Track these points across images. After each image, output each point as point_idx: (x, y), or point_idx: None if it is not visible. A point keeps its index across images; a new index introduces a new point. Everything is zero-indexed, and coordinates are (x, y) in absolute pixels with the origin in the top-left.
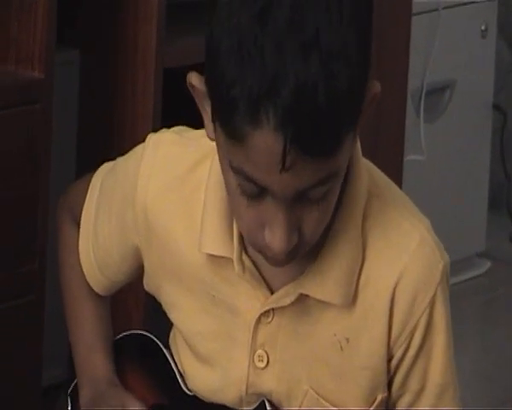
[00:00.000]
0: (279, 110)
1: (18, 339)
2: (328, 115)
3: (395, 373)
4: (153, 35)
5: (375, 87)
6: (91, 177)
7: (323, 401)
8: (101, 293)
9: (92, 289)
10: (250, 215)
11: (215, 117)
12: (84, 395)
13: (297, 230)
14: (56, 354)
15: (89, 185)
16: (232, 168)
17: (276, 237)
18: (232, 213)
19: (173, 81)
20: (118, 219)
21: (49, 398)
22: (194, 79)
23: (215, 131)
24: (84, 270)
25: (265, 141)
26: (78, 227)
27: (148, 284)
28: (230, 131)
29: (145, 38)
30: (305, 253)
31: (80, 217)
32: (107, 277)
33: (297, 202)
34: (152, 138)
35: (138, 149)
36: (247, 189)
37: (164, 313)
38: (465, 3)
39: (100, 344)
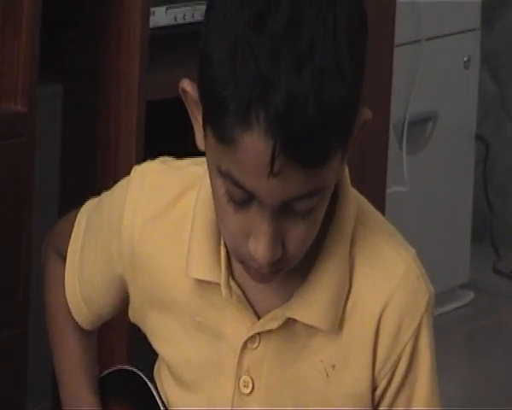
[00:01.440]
0: (270, 114)
1: (2, 370)
2: (317, 127)
3: (380, 403)
4: (135, 68)
5: (366, 113)
6: (77, 213)
7: None
8: (86, 327)
9: (78, 325)
10: (236, 223)
11: (206, 121)
12: None
13: (281, 243)
14: (41, 386)
15: (74, 221)
16: (221, 173)
17: (260, 247)
18: (218, 222)
19: (156, 114)
20: (103, 253)
21: None
22: (187, 85)
23: (205, 137)
24: (70, 304)
25: (255, 144)
26: (64, 263)
27: (133, 314)
28: (221, 134)
29: (128, 71)
30: (292, 276)
31: (66, 252)
32: (92, 310)
33: (283, 213)
34: (137, 170)
35: (124, 181)
36: (234, 195)
37: (148, 346)
38: (448, 35)
39: (85, 380)
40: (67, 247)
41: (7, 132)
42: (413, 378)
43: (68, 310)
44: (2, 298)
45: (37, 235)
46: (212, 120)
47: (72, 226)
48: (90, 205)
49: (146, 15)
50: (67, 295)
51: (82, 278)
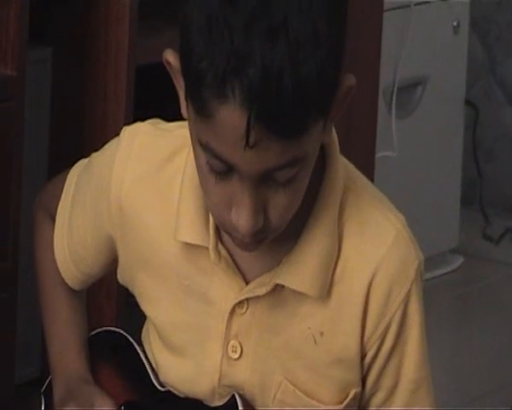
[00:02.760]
0: (245, 87)
1: None
2: (293, 99)
3: (369, 371)
4: (125, 32)
5: (350, 80)
6: (67, 174)
7: (298, 392)
8: (75, 288)
9: (67, 285)
10: (218, 194)
11: (186, 93)
12: (57, 393)
13: (263, 212)
14: (29, 352)
15: (64, 182)
16: (201, 145)
17: (241, 217)
18: (202, 191)
19: (145, 78)
20: (92, 211)
21: (22, 395)
22: (170, 56)
23: (187, 108)
24: (59, 265)
25: (231, 116)
26: (53, 223)
27: (122, 275)
28: (199, 107)
29: (117, 35)
30: (281, 242)
31: (55, 213)
32: (81, 271)
33: (263, 183)
34: (127, 130)
35: (113, 141)
36: (214, 166)
37: (137, 309)
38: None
39: (74, 341)
40: (57, 208)
41: None
42: (403, 345)
43: (58, 271)
44: None
45: (25, 199)
46: (191, 93)
47: (62, 187)
48: (79, 166)
49: None
50: (56, 257)
51: (71, 238)
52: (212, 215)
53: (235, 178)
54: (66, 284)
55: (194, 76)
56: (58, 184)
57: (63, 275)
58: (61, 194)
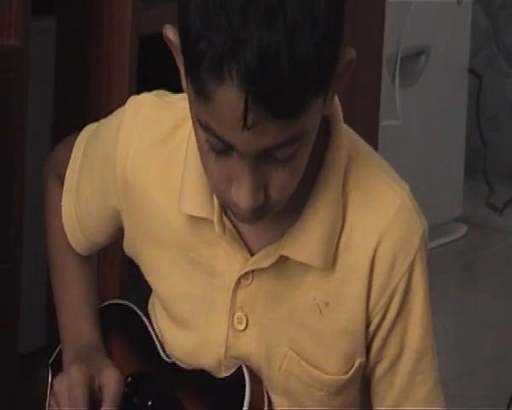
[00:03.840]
0: (242, 69)
1: None
2: (291, 79)
3: (373, 339)
4: (128, 2)
5: (350, 53)
6: (75, 138)
7: (304, 363)
8: (82, 253)
9: (77, 256)
10: (218, 171)
11: (185, 71)
12: (67, 359)
13: (263, 189)
14: (34, 322)
15: (73, 146)
16: (200, 124)
17: (241, 194)
18: (203, 168)
19: (149, 48)
20: (99, 181)
21: (26, 365)
22: (169, 32)
23: (187, 85)
24: (66, 229)
25: (228, 98)
26: (62, 187)
27: (127, 246)
28: (198, 87)
29: (120, 5)
30: (286, 214)
31: (64, 177)
32: (87, 238)
33: (263, 160)
34: (133, 101)
35: (119, 111)
36: (214, 145)
37: (142, 280)
38: None
39: (87, 309)
40: (65, 172)
41: (1, 65)
42: (407, 313)
43: (66, 240)
44: None
45: (29, 168)
46: (190, 73)
47: (71, 151)
48: (88, 131)
49: None
50: (64, 222)
51: (78, 205)
52: (213, 191)
53: (234, 156)
54: (76, 255)
55: (192, 57)
56: (67, 148)
57: (70, 240)
58: (69, 157)
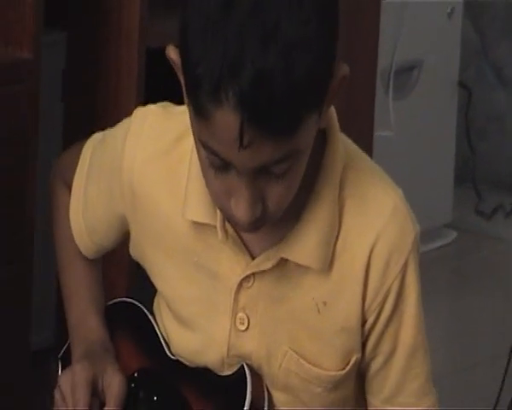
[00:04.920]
0: (237, 92)
1: (7, 305)
2: (285, 101)
3: (368, 336)
4: (136, 15)
5: (344, 70)
6: (82, 145)
7: (303, 361)
8: (89, 256)
9: (84, 256)
10: (218, 185)
11: (185, 92)
12: (76, 356)
13: (261, 202)
14: (44, 320)
15: (80, 153)
16: (200, 142)
17: (240, 208)
18: (204, 181)
19: (156, 61)
20: (106, 188)
21: (38, 361)
22: (172, 52)
23: (187, 104)
24: (74, 234)
25: (225, 120)
26: (70, 191)
27: (134, 250)
28: (197, 108)
29: (129, 19)
30: (285, 219)
31: (71, 183)
32: (94, 242)
33: (260, 175)
34: (139, 111)
35: (126, 121)
36: (213, 162)
37: (149, 281)
38: None
39: (94, 309)
40: (73, 178)
41: (13, 77)
42: (401, 312)
43: (73, 242)
44: (8, 235)
45: (40, 176)
46: (189, 95)
47: (78, 157)
48: (94, 139)
49: None
50: (72, 227)
51: (86, 212)
52: (214, 203)
53: (232, 172)
54: (83, 255)
55: (191, 80)
56: (73, 156)
57: (78, 244)
58: (76, 164)
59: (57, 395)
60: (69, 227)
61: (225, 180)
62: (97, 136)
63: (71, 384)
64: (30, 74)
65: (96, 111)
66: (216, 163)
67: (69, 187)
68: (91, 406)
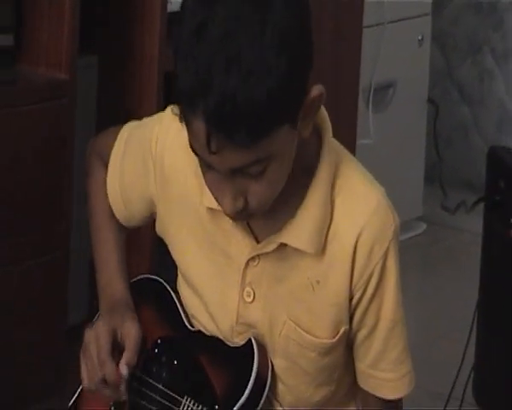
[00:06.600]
0: (205, 109)
1: (48, 288)
2: (246, 118)
3: (355, 310)
4: (155, 44)
5: (317, 90)
6: (117, 129)
7: (299, 330)
8: (120, 220)
9: (113, 225)
10: (208, 181)
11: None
12: (103, 310)
13: (242, 197)
14: (79, 300)
15: (115, 135)
16: (189, 143)
17: (223, 201)
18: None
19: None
20: (141, 166)
21: (73, 336)
22: None
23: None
24: (110, 200)
25: (197, 128)
26: (105, 167)
27: (159, 227)
28: (181, 115)
29: (150, 47)
30: (286, 210)
31: (108, 158)
32: (128, 209)
33: (238, 174)
34: (170, 109)
35: (159, 114)
36: (200, 160)
37: (171, 264)
38: (405, 18)
39: (120, 272)
40: (109, 153)
41: (52, 96)
42: (382, 290)
43: (106, 209)
44: (48, 226)
45: (76, 176)
46: (177, 102)
47: (114, 137)
48: (131, 124)
49: (164, 4)
50: (109, 195)
51: (122, 182)
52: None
53: (214, 170)
54: (112, 222)
55: (176, 90)
56: (110, 135)
57: (113, 207)
58: (112, 144)
59: (83, 349)
60: (103, 200)
61: (211, 177)
62: (133, 123)
63: (94, 336)
64: (67, 92)
65: (123, 122)
66: (202, 162)
67: (104, 160)
68: (113, 351)
